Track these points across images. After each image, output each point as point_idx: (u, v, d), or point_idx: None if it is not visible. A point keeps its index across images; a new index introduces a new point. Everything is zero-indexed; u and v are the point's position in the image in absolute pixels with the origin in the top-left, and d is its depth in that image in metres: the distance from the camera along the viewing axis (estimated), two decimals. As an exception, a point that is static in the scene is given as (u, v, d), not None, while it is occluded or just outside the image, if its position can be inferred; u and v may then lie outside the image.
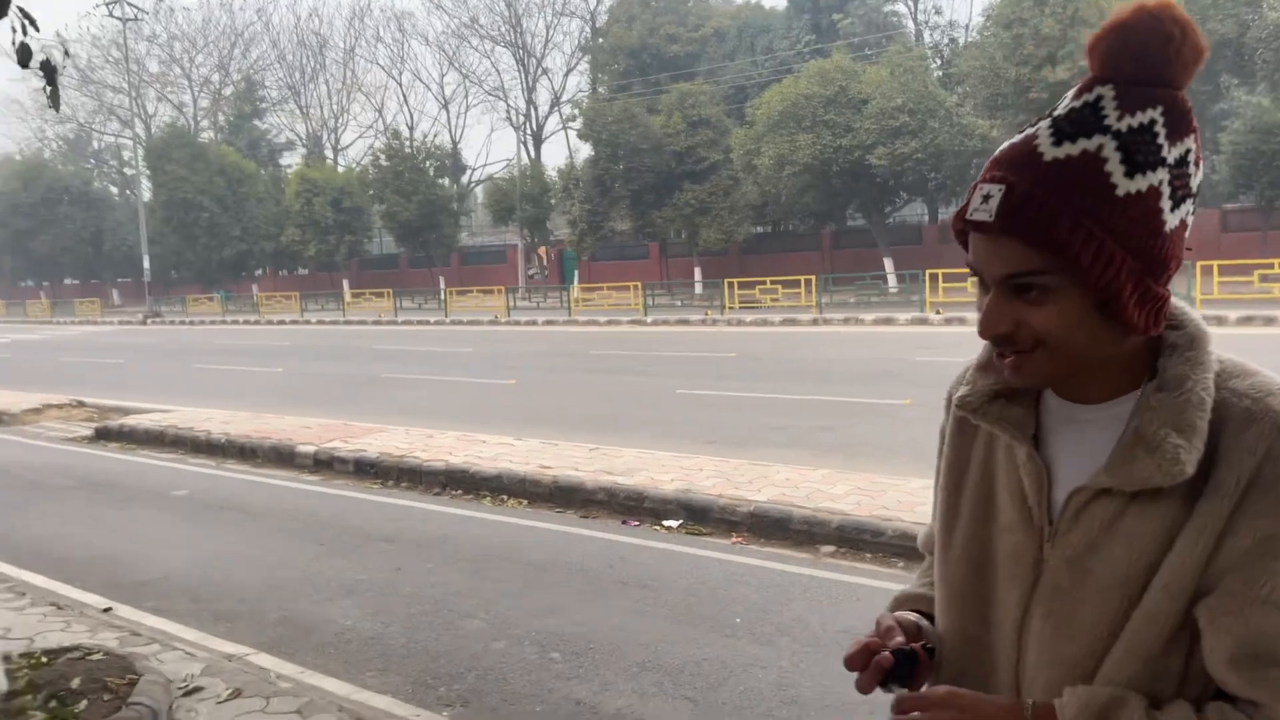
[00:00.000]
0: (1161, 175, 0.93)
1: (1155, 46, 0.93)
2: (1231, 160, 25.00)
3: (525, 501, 7.18)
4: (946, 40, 36.48)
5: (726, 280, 26.60)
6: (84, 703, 3.49)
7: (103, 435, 10.83)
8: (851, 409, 10.06)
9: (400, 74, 64.32)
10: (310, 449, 8.85)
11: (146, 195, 46.08)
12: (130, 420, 11.02)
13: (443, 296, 32.36)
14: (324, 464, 8.64)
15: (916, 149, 26.92)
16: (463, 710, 3.85)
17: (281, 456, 9.03)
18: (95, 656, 3.95)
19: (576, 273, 38.35)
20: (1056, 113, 0.97)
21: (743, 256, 35.14)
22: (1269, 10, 23.20)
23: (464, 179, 52.54)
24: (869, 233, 32.52)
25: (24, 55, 3.23)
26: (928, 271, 22.48)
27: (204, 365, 18.73)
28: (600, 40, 43.86)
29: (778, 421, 9.59)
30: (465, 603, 5.09)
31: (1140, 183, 0.93)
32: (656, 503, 6.63)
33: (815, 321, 21.82)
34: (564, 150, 46.19)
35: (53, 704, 3.50)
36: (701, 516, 6.38)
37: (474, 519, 6.83)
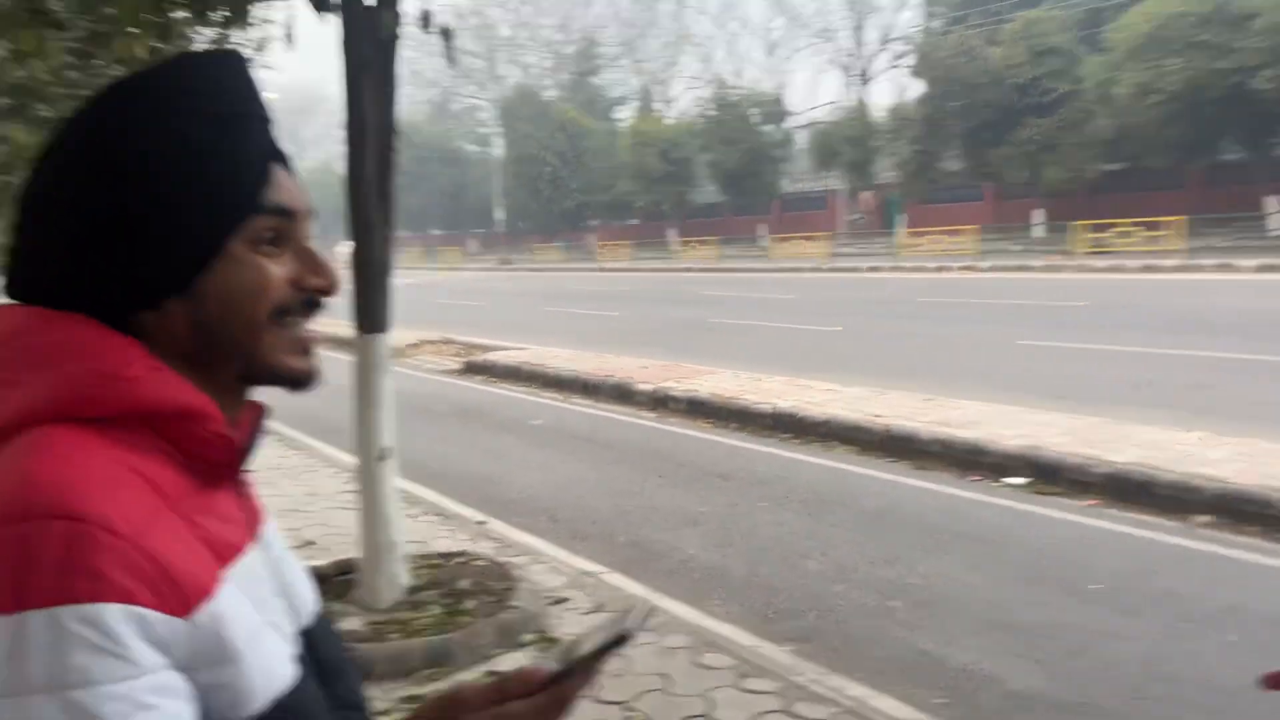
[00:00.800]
0: None
1: None
2: None
3: (856, 449, 7.11)
4: None
5: (1073, 223, 24.40)
6: (471, 602, 3.96)
7: (470, 369, 12.11)
8: (1230, 366, 8.89)
9: (728, 22, 64.74)
10: (647, 387, 9.33)
11: (498, 152, 50.37)
12: (491, 356, 12.23)
13: (764, 244, 32.59)
14: (659, 402, 9.08)
15: (1317, 68, 22.93)
16: (804, 646, 3.91)
17: (621, 393, 9.60)
18: (479, 562, 4.47)
19: (901, 217, 36.97)
20: None
21: (1092, 197, 31.94)
22: None
23: (787, 124, 52.22)
24: (1246, 168, 28.29)
25: (425, 20, 3.61)
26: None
27: (551, 308, 20.28)
28: (935, -30, 41.36)
29: (1139, 376, 8.70)
30: (803, 543, 5.16)
31: None
32: (999, 458, 6.30)
33: (1181, 268, 19.43)
34: (891, 91, 44.42)
35: (447, 600, 4.01)
36: (1051, 475, 5.97)
37: (805, 462, 6.88)
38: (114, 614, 0.63)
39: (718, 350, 12.07)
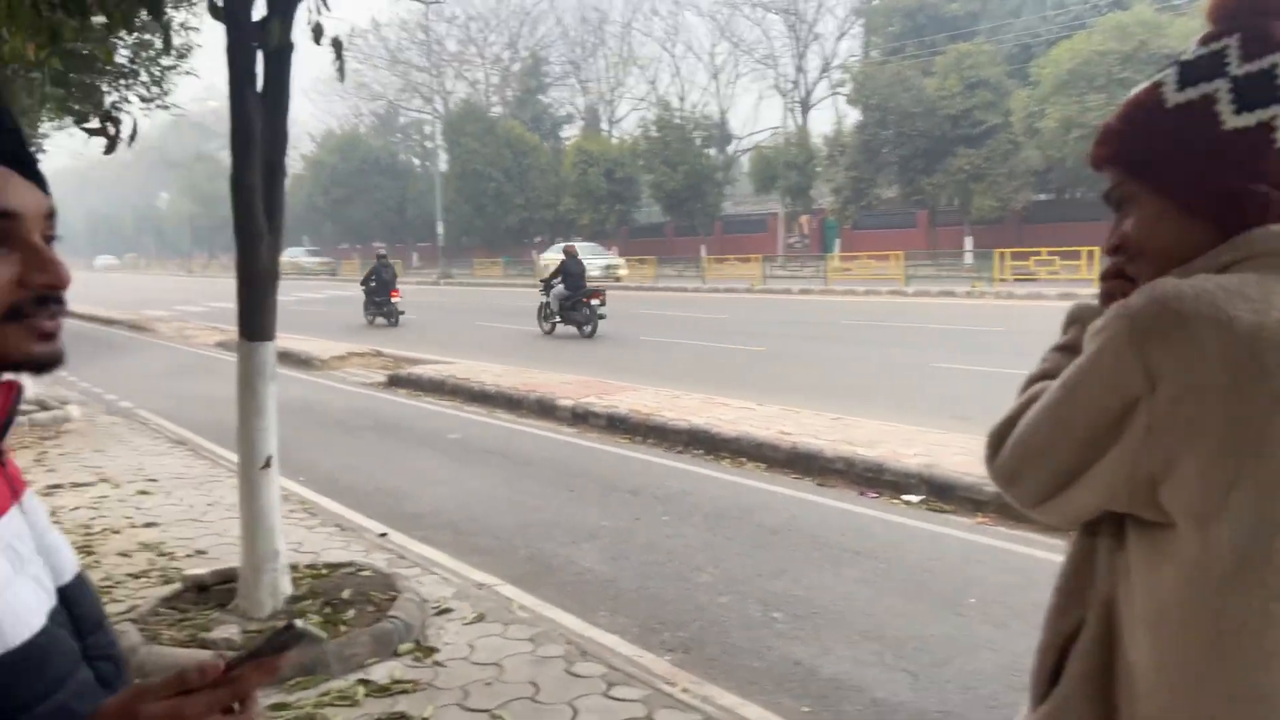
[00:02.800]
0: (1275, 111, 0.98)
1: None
2: None
3: (763, 465, 7.23)
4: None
5: (998, 250, 25.08)
6: (351, 611, 3.96)
7: (394, 382, 12.04)
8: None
9: (674, 45, 65.50)
10: (569, 403, 9.38)
11: (443, 167, 50.14)
12: (417, 370, 12.17)
13: (702, 265, 32.88)
14: (580, 418, 9.13)
15: (1233, 106, 23.91)
16: (683, 656, 3.98)
17: (544, 409, 9.63)
18: (365, 573, 4.46)
19: (838, 241, 37.57)
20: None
21: (1021, 226, 32.89)
22: None
23: (730, 148, 52.84)
24: (1171, 201, 29.35)
25: (317, 33, 3.65)
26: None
27: (485, 323, 20.23)
28: (875, 1, 42.35)
29: (1041, 401, 8.97)
30: (697, 556, 5.23)
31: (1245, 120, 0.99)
32: (898, 475, 6.46)
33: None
34: (831, 117, 45.22)
35: (326, 609, 4.00)
36: (945, 493, 6.15)
37: (712, 478, 6.98)
38: None
39: (643, 368, 12.17)
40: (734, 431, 7.74)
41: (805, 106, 50.50)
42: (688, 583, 4.84)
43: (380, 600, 4.07)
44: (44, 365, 0.88)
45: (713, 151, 45.90)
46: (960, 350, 12.77)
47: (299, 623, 0.80)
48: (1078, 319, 1.12)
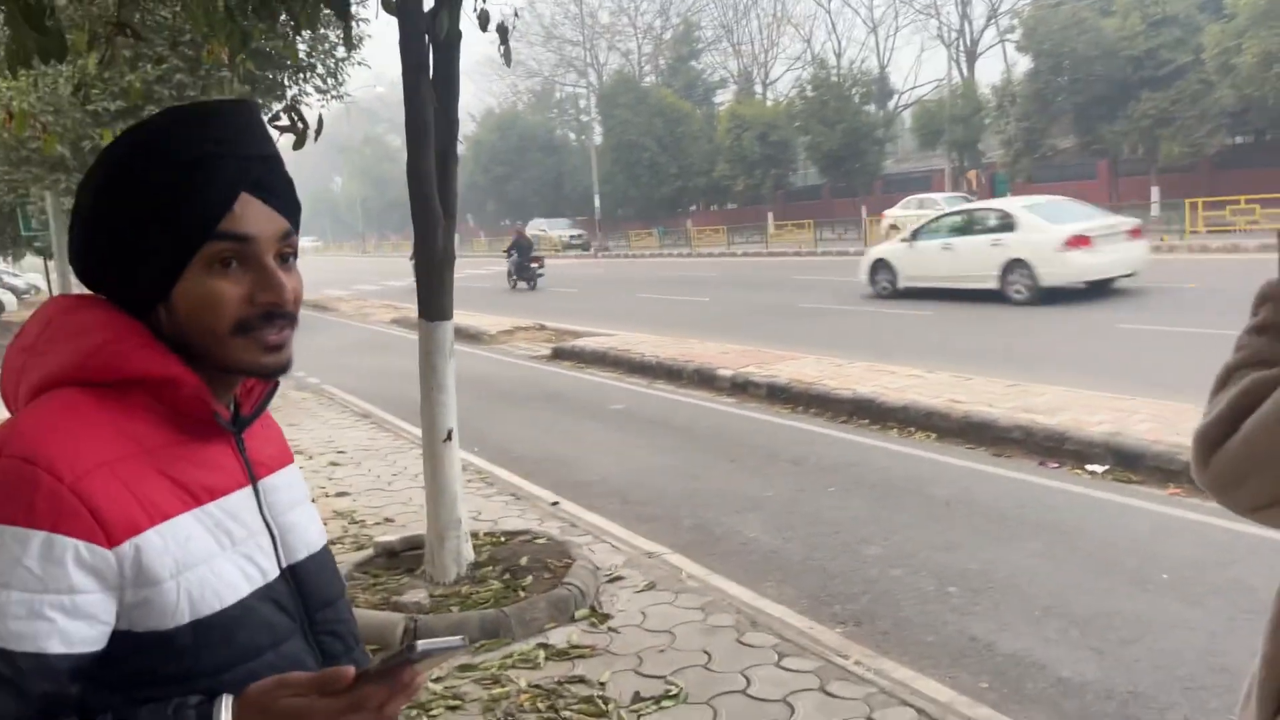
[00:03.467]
0: None
1: None
2: None
3: (933, 435, 7.03)
4: None
5: (1189, 200, 23.25)
6: (529, 578, 4.13)
7: (558, 354, 12.37)
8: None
9: (829, 1, 63.62)
10: (728, 373, 9.39)
11: (598, 139, 50.78)
12: (579, 342, 12.45)
13: (863, 226, 32.01)
14: (740, 387, 9.13)
15: None
16: (855, 629, 3.95)
17: (703, 378, 9.68)
18: (540, 541, 4.64)
19: (1010, 196, 35.77)
20: None
21: (1214, 173, 30.33)
22: None
23: (890, 104, 51.09)
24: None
25: (483, 20, 3.77)
26: None
27: (644, 295, 20.46)
28: (1046, -61, 39.76)
29: (1241, 362, 8.30)
30: (865, 528, 5.16)
31: None
32: (1080, 444, 6.15)
33: (1306, 247, 18.29)
34: (999, 66, 42.91)
35: (506, 575, 4.19)
36: (1133, 463, 5.81)
37: (879, 449, 6.84)
38: (38, 538, 0.82)
39: (802, 335, 12.02)
40: (901, 400, 7.55)
41: (971, 57, 48.14)
42: (856, 555, 4.79)
43: (556, 567, 4.23)
44: (271, 373, 0.99)
45: (872, 108, 44.48)
46: (1148, 309, 11.97)
47: (421, 644, 0.83)
48: (1270, 297, 1.00)
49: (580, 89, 61.82)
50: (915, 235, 15.88)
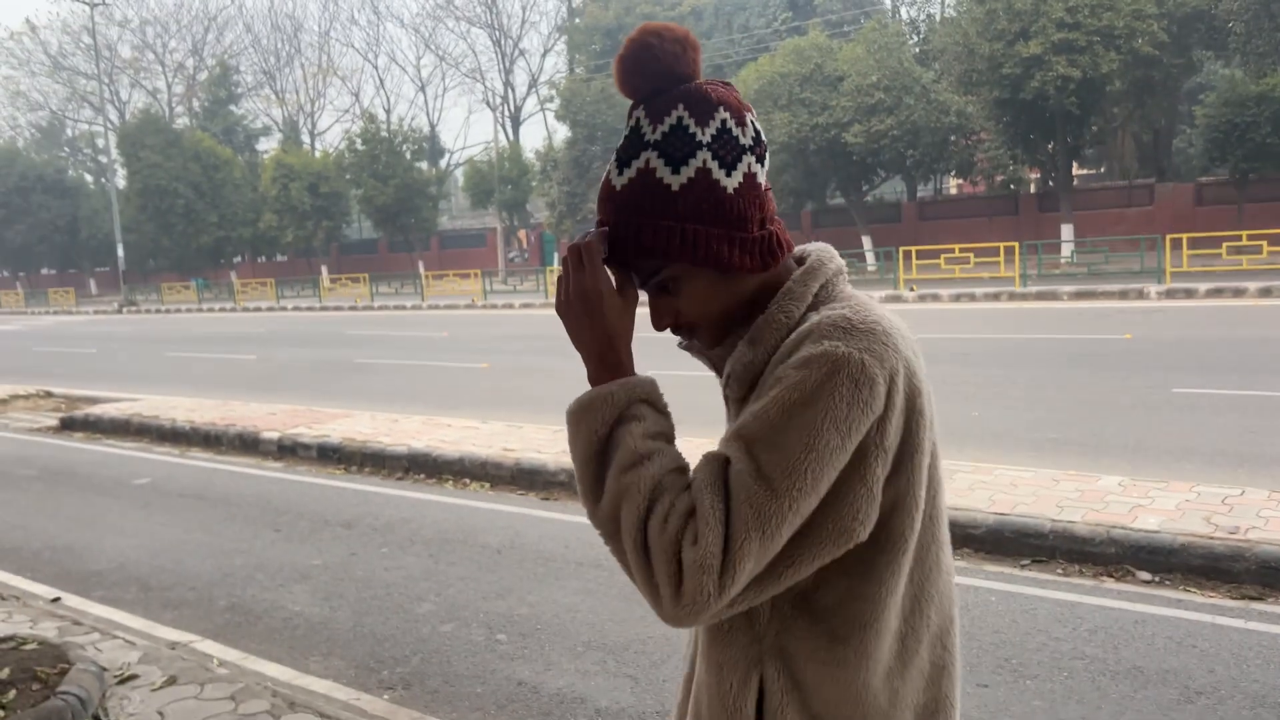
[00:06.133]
0: (703, 156, 1.09)
1: (648, 61, 1.10)
2: (1205, 133, 25.02)
3: (488, 485, 7.15)
4: (923, 16, 36.38)
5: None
6: (12, 693, 3.45)
7: (68, 425, 10.73)
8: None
9: (376, 57, 63.63)
10: (274, 435, 8.79)
11: (121, 183, 45.60)
12: (96, 410, 10.92)
13: (421, 282, 32.17)
14: (287, 450, 8.59)
15: (892, 126, 26.85)
16: (404, 693, 3.83)
17: (246, 443, 8.96)
18: (29, 646, 3.91)
19: (556, 255, 38.13)
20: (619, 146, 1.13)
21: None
22: (1241, -18, 23.20)
23: (442, 162, 52.24)
24: (849, 211, 32.47)
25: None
26: (902, 249, 22.48)
27: (177, 354, 18.58)
28: (577, 20, 43.54)
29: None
30: (418, 586, 5.06)
31: (685, 173, 1.08)
32: (617, 483, 6.60)
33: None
34: (542, 131, 45.87)
35: (-19, 695, 3.45)
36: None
37: (434, 503, 6.80)
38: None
39: (359, 393, 11.68)
40: (456, 452, 7.59)
41: (516, 121, 50.95)
42: (408, 615, 4.67)
43: (48, 675, 3.57)
44: None
45: (425, 165, 45.12)
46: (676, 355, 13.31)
47: None
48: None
49: (98, 127, 55.25)
50: None
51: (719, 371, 1.22)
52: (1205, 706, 3.34)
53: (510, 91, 50.99)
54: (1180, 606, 4.20)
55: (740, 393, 1.15)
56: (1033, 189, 31.84)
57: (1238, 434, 6.85)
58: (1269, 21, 23.48)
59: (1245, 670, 3.58)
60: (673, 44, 1.10)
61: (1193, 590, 4.38)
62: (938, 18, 34.66)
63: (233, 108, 54.83)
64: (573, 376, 8.29)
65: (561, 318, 1.15)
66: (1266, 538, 4.46)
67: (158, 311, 35.30)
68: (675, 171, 1.08)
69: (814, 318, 1.08)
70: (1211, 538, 4.53)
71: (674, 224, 1.08)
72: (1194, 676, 3.56)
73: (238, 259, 49.80)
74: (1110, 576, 4.59)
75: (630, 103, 1.14)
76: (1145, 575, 4.54)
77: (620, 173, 1.11)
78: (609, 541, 1.08)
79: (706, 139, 1.09)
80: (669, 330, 1.19)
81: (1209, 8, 24.90)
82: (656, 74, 1.10)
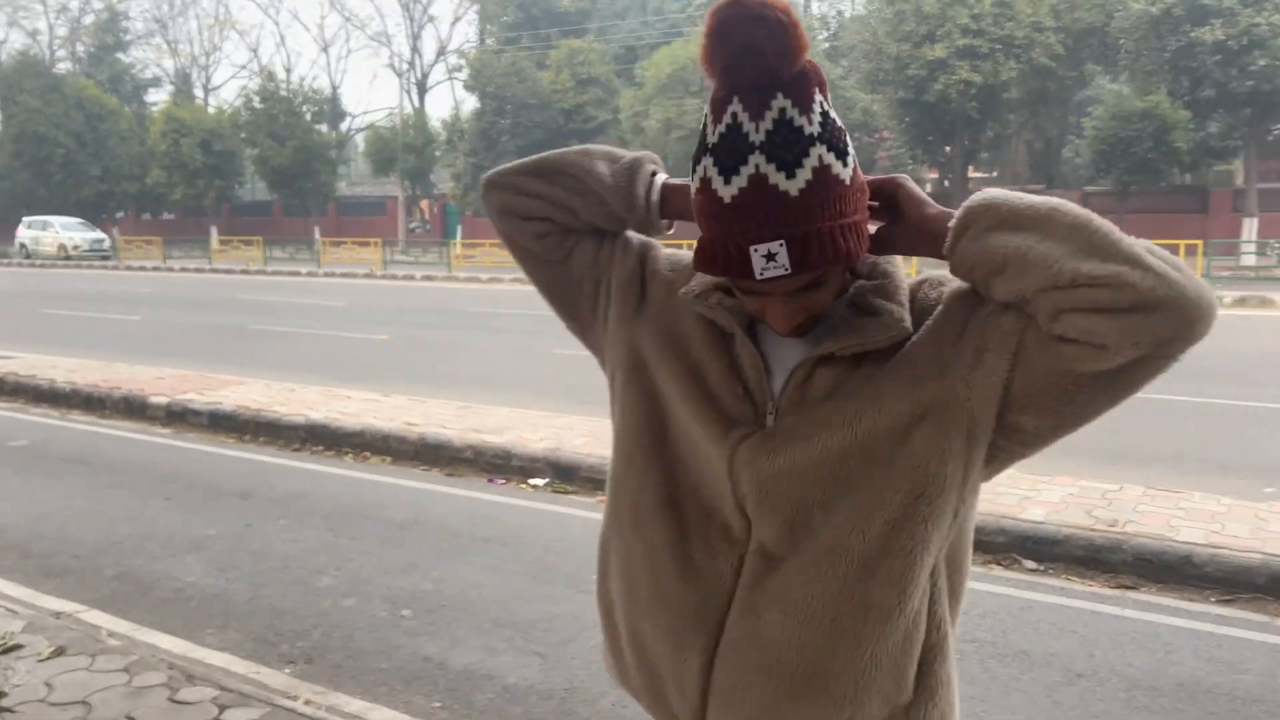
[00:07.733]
0: (847, 140, 1.03)
1: (795, 39, 0.97)
2: (1093, 145, 26.26)
3: (389, 459, 7.03)
4: (834, 13, 37.06)
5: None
6: (-119, 665, 3.25)
7: (-68, 382, 10.07)
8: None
9: (278, 13, 61.22)
10: (163, 400, 8.45)
11: (-6, 127, 42.86)
12: (-36, 367, 10.28)
13: (317, 248, 31.25)
14: (177, 416, 8.27)
15: (801, 119, 27.26)
16: (305, 667, 3.75)
17: (132, 408, 8.59)
18: (-102, 616, 3.68)
19: (460, 227, 37.55)
20: (760, 142, 0.98)
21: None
22: (1132, 1, 24.38)
23: (344, 126, 50.77)
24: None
25: None
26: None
27: (54, 311, 17.62)
28: (490, -10, 42.76)
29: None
30: (317, 559, 4.96)
31: (850, 165, 1.02)
32: (524, 461, 6.59)
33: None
34: (449, 101, 45.06)
35: None
36: (569, 475, 6.37)
37: (334, 475, 6.65)
38: None
39: (252, 359, 11.31)
40: (357, 425, 7.44)
41: (422, 89, 49.82)
42: (308, 588, 4.57)
43: (-80, 648, 3.37)
44: None
45: (324, 128, 43.78)
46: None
47: None
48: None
49: (-31, 65, 51.65)
50: None
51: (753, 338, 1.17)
52: (1086, 688, 3.55)
53: (417, 58, 49.84)
54: (1063, 594, 4.45)
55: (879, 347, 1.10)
56: (929, 189, 32.88)
57: (1109, 434, 7.25)
58: (1157, 41, 24.75)
59: (1122, 655, 3.82)
60: (787, 15, 0.97)
61: (1074, 579, 4.64)
62: (848, 15, 35.36)
63: (120, 55, 52.06)
64: (472, 350, 8.31)
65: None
66: (1141, 531, 4.75)
67: (32, 266, 33.37)
68: (844, 164, 1.00)
69: (899, 277, 1.15)
70: (1092, 530, 4.81)
71: (851, 221, 1.01)
72: (1075, 660, 3.78)
73: (121, 214, 47.43)
74: (999, 564, 4.82)
75: (713, 90, 1.02)
76: (1031, 564, 4.78)
77: (793, 175, 0.97)
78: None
79: (839, 122, 1.02)
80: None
81: (1103, 24, 26.09)
82: (798, 54, 0.98)
